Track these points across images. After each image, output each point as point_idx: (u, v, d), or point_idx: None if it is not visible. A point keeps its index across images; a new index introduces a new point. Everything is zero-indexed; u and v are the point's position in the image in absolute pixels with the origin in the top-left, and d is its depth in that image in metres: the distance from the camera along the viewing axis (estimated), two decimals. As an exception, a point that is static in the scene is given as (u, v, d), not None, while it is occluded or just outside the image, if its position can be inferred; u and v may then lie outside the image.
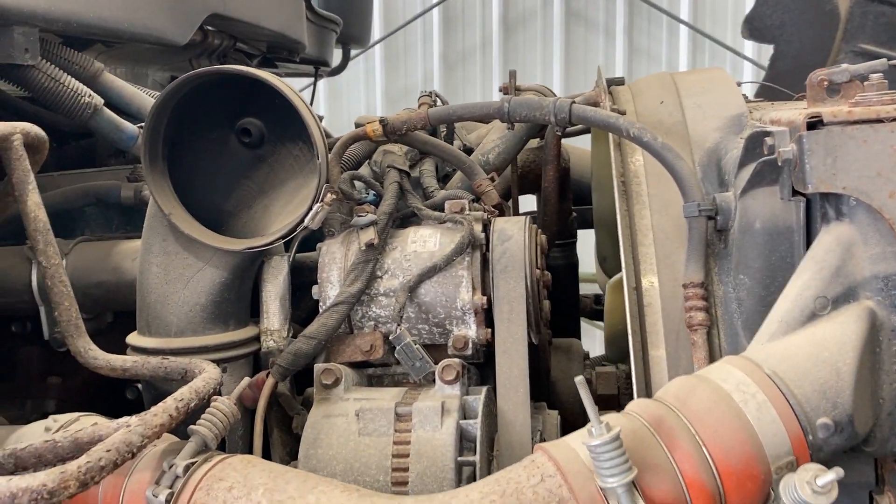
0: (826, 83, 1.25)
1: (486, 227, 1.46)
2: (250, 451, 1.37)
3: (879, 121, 1.10)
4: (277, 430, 1.48)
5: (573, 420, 1.50)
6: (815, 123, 1.13)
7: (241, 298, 1.48)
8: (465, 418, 1.27)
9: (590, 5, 7.50)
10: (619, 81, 1.82)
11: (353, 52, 4.04)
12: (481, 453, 1.24)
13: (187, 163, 1.46)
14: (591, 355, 2.13)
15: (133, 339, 1.46)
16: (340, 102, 7.48)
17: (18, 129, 1.31)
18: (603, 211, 1.92)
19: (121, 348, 1.46)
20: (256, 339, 1.49)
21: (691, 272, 1.27)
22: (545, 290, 1.49)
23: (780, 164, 1.16)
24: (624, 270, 1.35)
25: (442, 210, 1.49)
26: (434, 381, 1.34)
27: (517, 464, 1.02)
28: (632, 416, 1.03)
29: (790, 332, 1.10)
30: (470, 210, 1.47)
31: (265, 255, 1.50)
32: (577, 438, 1.00)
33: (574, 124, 1.43)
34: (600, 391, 1.85)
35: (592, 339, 3.17)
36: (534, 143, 2.03)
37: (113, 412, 1.29)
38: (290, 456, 1.45)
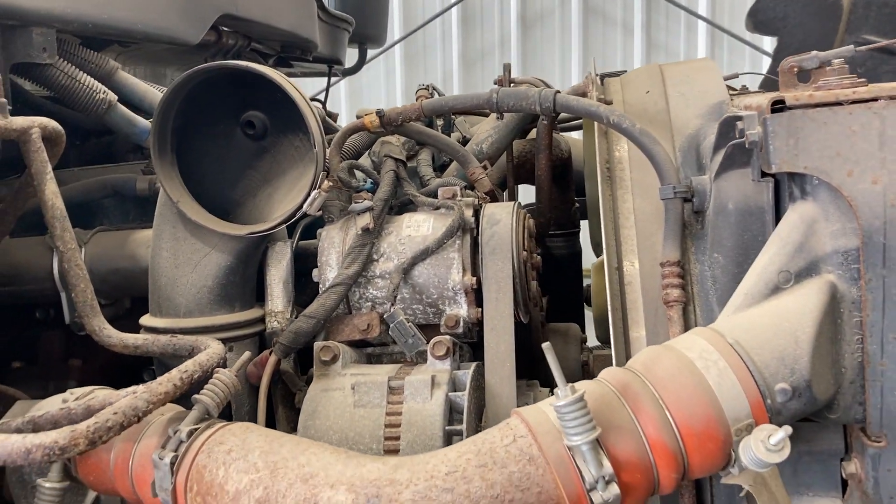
0: (796, 69, 1.31)
1: (477, 212, 1.53)
2: (255, 425, 1.45)
3: (839, 103, 1.16)
4: (282, 407, 1.56)
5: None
6: (779, 107, 1.19)
7: (246, 282, 1.57)
8: (454, 391, 1.35)
9: (608, 2, 7.52)
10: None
11: (372, 52, 4.12)
12: (469, 423, 1.31)
13: (195, 154, 1.55)
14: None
15: (145, 320, 1.55)
16: (361, 102, 7.58)
17: (37, 123, 1.41)
18: (595, 198, 1.98)
19: (138, 332, 1.55)
20: (261, 320, 1.57)
21: (668, 251, 1.33)
22: (533, 272, 1.56)
23: (747, 146, 1.22)
24: (605, 252, 1.42)
25: (436, 197, 1.57)
26: (426, 359, 1.42)
27: (493, 427, 1.09)
28: (601, 382, 1.10)
29: (754, 305, 1.16)
30: (462, 196, 1.54)
31: (269, 240, 1.59)
32: (548, 403, 1.07)
33: (558, 112, 1.49)
34: (597, 373, 1.91)
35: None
36: (533, 134, 2.10)
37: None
38: (293, 431, 1.53)
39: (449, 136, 1.84)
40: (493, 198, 1.64)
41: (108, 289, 1.77)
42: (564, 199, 2.28)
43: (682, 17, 7.31)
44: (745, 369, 1.07)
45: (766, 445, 1.00)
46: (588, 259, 2.43)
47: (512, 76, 1.77)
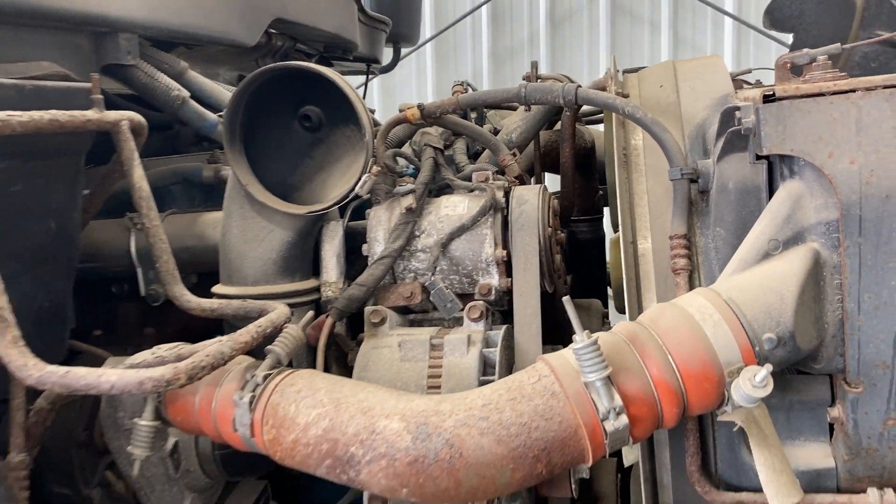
0: (789, 65, 1.49)
1: (507, 193, 1.72)
2: (313, 380, 1.66)
3: (821, 94, 1.33)
4: (335, 365, 1.77)
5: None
6: (770, 98, 1.37)
7: (304, 256, 1.78)
8: (487, 348, 1.55)
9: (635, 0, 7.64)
10: None
11: (405, 50, 4.32)
12: (500, 375, 1.51)
13: (259, 144, 1.76)
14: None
15: (217, 288, 1.77)
16: (393, 99, 7.79)
17: (126, 117, 1.63)
18: (614, 182, 2.16)
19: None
20: (317, 289, 1.79)
21: (676, 226, 1.52)
22: (557, 247, 1.75)
23: (743, 132, 1.40)
24: (621, 229, 1.61)
25: (471, 181, 1.77)
26: (463, 322, 1.62)
27: (521, 370, 1.29)
28: (613, 333, 1.30)
29: (747, 269, 1.34)
30: (493, 180, 1.74)
31: (324, 219, 1.80)
32: (568, 349, 1.26)
33: (580, 105, 1.68)
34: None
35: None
36: (558, 126, 2.29)
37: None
38: (345, 387, 1.73)
39: (481, 127, 2.03)
40: (522, 181, 1.83)
41: (179, 265, 1.98)
42: (588, 186, 2.47)
43: (708, 14, 7.42)
44: (737, 321, 1.25)
45: (752, 383, 1.19)
46: (611, 243, 2.62)
47: (539, 73, 1.96)
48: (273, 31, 2.52)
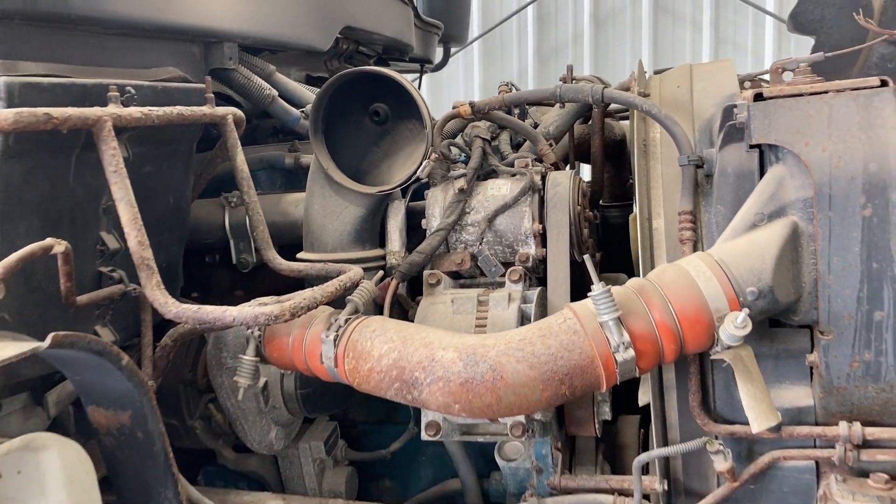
0: (781, 70, 1.78)
1: (544, 177, 2.05)
2: (379, 331, 2.01)
3: (800, 95, 1.63)
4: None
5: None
6: (758, 97, 1.67)
7: (373, 228, 2.13)
8: (524, 304, 1.87)
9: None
10: None
11: (452, 49, 4.65)
12: (535, 325, 1.83)
13: (337, 135, 2.11)
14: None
15: (301, 255, 2.12)
16: (441, 95, 8.13)
17: (230, 111, 2.00)
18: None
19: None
20: (383, 257, 2.13)
21: (683, 204, 1.82)
22: (586, 222, 2.07)
23: (738, 126, 1.70)
24: (638, 207, 1.91)
25: (513, 167, 2.09)
26: (505, 285, 1.95)
27: (551, 315, 1.61)
28: (626, 287, 1.61)
29: (737, 237, 1.65)
30: (532, 166, 2.06)
31: (389, 198, 2.14)
32: (588, 299, 1.58)
33: (606, 103, 1.99)
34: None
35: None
36: (591, 121, 2.60)
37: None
38: (405, 339, 2.07)
39: (524, 121, 2.36)
40: (556, 168, 2.16)
41: (265, 237, 2.35)
42: (619, 175, 2.77)
43: (749, 13, 7.60)
44: (725, 277, 1.55)
45: (734, 324, 1.49)
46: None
47: (574, 75, 2.28)
48: (340, 36, 2.87)
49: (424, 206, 2.11)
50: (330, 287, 1.70)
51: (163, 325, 1.85)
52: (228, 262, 2.40)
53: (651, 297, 1.56)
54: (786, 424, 1.70)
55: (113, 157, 1.57)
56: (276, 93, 2.32)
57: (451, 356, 1.56)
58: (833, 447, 1.66)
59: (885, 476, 1.58)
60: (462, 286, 2.07)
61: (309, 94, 2.52)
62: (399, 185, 2.03)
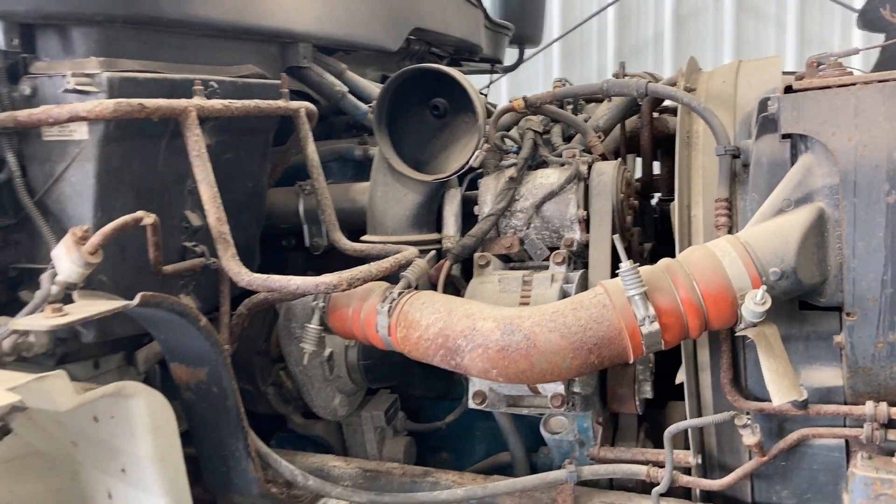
0: (815, 64, 1.86)
1: (590, 167, 2.17)
2: (434, 308, 2.17)
3: (828, 87, 1.71)
4: (451, 300, 2.27)
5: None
6: (788, 90, 1.75)
7: (430, 214, 2.30)
8: (566, 284, 2.00)
9: (762, -2, 7.70)
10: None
11: (532, 50, 4.75)
12: (575, 304, 1.96)
13: (399, 128, 2.29)
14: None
15: (365, 237, 2.31)
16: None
17: (303, 105, 2.20)
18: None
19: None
20: (439, 241, 2.30)
21: (720, 191, 1.91)
22: (629, 210, 2.18)
23: (770, 118, 1.79)
24: (678, 195, 2.02)
25: (562, 157, 2.22)
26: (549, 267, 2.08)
27: (585, 291, 1.74)
28: (655, 266, 1.73)
29: (765, 221, 1.74)
30: (579, 156, 2.19)
31: (446, 186, 2.31)
32: (617, 277, 1.71)
33: (650, 96, 2.10)
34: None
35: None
36: (647, 116, 2.69)
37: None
38: (459, 317, 2.23)
39: (577, 115, 2.49)
40: (604, 158, 2.27)
41: (335, 223, 2.55)
42: (672, 168, 2.85)
43: (837, 12, 7.41)
44: (749, 257, 1.65)
45: (754, 301, 1.59)
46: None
47: (626, 72, 2.39)
48: (412, 37, 3.05)
49: (478, 195, 2.26)
50: (385, 263, 1.87)
51: (240, 297, 2.06)
52: (302, 246, 2.61)
53: (677, 276, 1.67)
54: (815, 403, 1.77)
55: (196, 143, 1.79)
56: (346, 89, 2.52)
57: (490, 326, 1.71)
58: (861, 426, 1.73)
59: (910, 454, 1.65)
60: (510, 269, 2.21)
61: (378, 91, 2.70)
62: (453, 174, 2.19)
